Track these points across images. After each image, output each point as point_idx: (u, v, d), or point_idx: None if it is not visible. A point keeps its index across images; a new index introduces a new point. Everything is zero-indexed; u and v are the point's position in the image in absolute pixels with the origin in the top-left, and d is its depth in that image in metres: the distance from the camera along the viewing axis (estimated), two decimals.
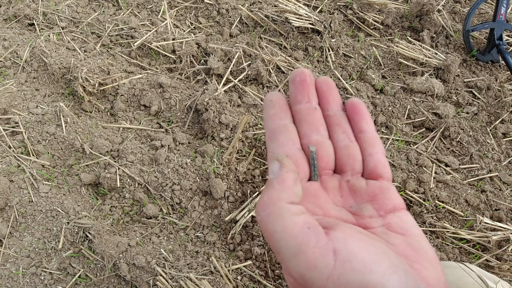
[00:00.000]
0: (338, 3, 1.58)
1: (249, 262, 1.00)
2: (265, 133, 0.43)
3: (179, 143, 1.18)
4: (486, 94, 1.40)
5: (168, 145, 1.16)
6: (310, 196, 0.31)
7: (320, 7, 1.56)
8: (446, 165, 1.23)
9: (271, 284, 0.98)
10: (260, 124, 1.25)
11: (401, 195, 1.04)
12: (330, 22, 1.44)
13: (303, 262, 0.25)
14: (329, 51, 1.43)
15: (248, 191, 1.09)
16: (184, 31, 1.47)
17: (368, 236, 0.27)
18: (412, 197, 1.13)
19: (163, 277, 0.95)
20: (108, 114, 1.27)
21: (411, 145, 1.27)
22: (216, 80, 1.31)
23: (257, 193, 1.09)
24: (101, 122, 1.24)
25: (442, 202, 1.12)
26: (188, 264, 0.99)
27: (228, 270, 0.98)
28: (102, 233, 0.99)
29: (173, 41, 1.39)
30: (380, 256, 0.25)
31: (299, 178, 0.27)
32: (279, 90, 1.31)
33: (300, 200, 0.27)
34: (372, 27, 1.54)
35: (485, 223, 1.05)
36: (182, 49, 1.37)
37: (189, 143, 1.19)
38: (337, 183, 0.34)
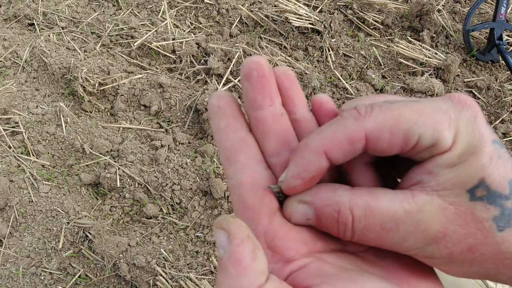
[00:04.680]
0: (338, 3, 1.59)
1: None
2: (218, 151, 0.34)
3: (179, 143, 1.18)
4: (486, 94, 1.40)
5: (168, 145, 1.16)
6: (292, 231, 0.26)
7: (320, 7, 1.56)
8: None
9: None
10: None
11: None
12: (330, 22, 1.44)
13: None
14: (329, 51, 1.43)
15: None
16: (184, 31, 1.47)
17: (361, 284, 0.22)
18: None
19: (163, 277, 0.96)
20: (108, 114, 1.27)
21: None
22: (216, 80, 1.31)
23: None
24: (101, 122, 1.24)
25: None
26: (188, 264, 0.99)
27: None
28: (102, 233, 0.99)
29: (173, 41, 1.39)
30: None
31: (259, 248, 0.21)
32: None
33: (266, 276, 0.21)
34: (372, 27, 1.54)
35: None
36: (182, 49, 1.37)
37: (189, 143, 1.19)
38: None
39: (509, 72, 1.45)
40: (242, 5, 1.52)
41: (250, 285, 0.20)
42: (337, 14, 1.54)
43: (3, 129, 1.17)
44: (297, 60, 1.40)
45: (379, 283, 0.23)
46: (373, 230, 0.23)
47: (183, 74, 1.36)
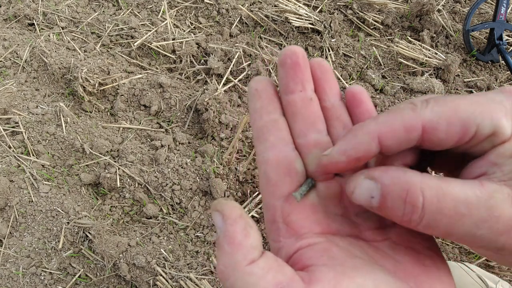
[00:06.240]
0: (338, 3, 1.58)
1: None
2: (252, 130, 0.37)
3: (179, 143, 1.18)
4: None
5: (168, 145, 1.16)
6: (307, 210, 0.27)
7: (320, 7, 1.56)
8: None
9: None
10: None
11: None
12: (330, 22, 1.44)
13: None
14: (329, 51, 1.43)
15: (248, 191, 1.09)
16: (184, 31, 1.47)
17: (362, 273, 0.23)
18: None
19: (163, 277, 0.96)
20: (108, 114, 1.27)
21: None
22: (216, 80, 1.31)
23: (257, 193, 1.09)
24: (101, 122, 1.24)
25: None
26: (188, 264, 0.99)
27: None
28: (102, 233, 0.99)
29: (173, 41, 1.39)
30: None
31: (251, 226, 0.22)
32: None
33: (259, 251, 0.22)
34: (372, 27, 1.54)
35: None
36: (182, 49, 1.37)
37: (189, 143, 1.19)
38: (339, 188, 0.28)
39: (509, 72, 1.45)
40: (242, 5, 1.52)
41: (243, 259, 0.21)
42: (337, 14, 1.54)
43: (3, 129, 1.17)
44: None
45: (382, 276, 0.23)
46: (446, 213, 0.22)
47: (183, 74, 1.36)
